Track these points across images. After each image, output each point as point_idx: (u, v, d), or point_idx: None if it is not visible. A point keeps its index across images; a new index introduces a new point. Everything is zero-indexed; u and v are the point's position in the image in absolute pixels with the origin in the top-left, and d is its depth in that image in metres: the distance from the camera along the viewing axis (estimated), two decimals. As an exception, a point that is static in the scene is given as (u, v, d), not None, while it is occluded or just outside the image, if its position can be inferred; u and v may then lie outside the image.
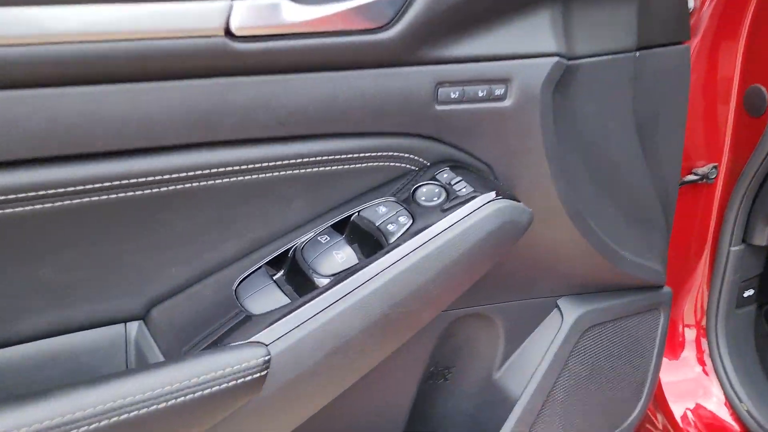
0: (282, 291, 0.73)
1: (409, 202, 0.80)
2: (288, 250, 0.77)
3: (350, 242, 0.77)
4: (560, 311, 1.03)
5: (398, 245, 0.74)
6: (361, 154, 0.79)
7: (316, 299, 0.70)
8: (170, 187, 0.69)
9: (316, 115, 0.73)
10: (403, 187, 0.82)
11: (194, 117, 0.67)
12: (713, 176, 1.30)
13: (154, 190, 0.68)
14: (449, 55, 0.78)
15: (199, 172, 0.70)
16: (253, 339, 0.66)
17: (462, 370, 1.03)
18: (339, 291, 0.71)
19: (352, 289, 0.71)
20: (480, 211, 0.78)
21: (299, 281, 0.75)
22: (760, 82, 1.21)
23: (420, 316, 0.79)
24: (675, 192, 1.13)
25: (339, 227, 0.80)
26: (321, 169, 0.77)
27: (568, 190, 0.91)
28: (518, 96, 0.82)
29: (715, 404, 1.36)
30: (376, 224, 0.77)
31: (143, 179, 0.67)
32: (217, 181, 0.71)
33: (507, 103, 0.83)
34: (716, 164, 1.30)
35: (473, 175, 0.83)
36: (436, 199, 0.79)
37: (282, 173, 0.75)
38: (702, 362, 1.38)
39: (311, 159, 0.76)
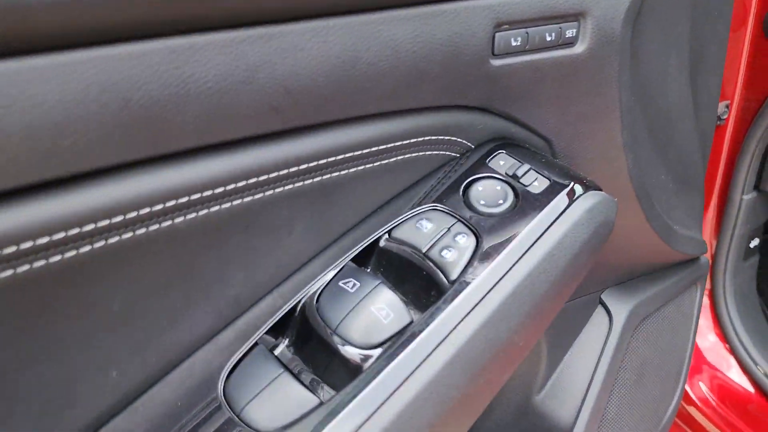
0: (302, 384, 0.45)
1: (461, 209, 0.53)
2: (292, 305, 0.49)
3: (390, 284, 0.49)
4: (606, 308, 0.81)
5: (467, 285, 0.48)
6: (386, 146, 0.51)
7: (366, 396, 0.43)
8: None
9: (327, 91, 0.44)
10: (445, 186, 0.55)
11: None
12: (725, 116, 1.12)
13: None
14: None
15: (168, 204, 0.39)
16: None
17: (496, 398, 0.80)
18: (396, 374, 0.44)
19: (414, 368, 0.44)
20: (570, 215, 0.53)
21: (322, 360, 0.47)
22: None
23: (506, 371, 0.54)
24: (710, 142, 0.93)
25: (361, 259, 0.52)
26: (330, 175, 0.48)
27: (635, 163, 0.68)
28: (593, 38, 0.57)
29: (729, 369, 1.23)
30: (423, 251, 0.50)
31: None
32: (190, 215, 0.41)
33: (579, 48, 0.57)
34: (728, 102, 1.11)
35: (538, 156, 0.57)
36: (501, 201, 0.53)
37: (276, 189, 0.45)
38: (711, 325, 1.25)
39: (318, 162, 0.46)
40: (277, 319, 0.47)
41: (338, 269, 0.50)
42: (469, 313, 0.47)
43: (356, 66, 0.44)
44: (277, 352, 0.48)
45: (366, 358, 0.45)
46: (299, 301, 0.48)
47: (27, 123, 0.33)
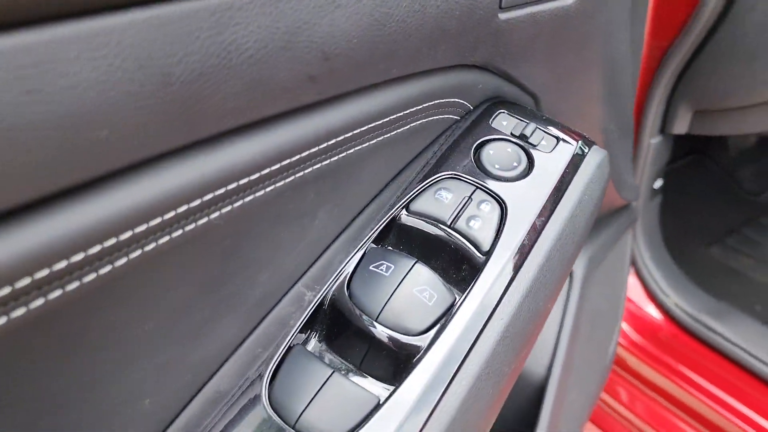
0: (355, 383, 0.40)
1: (478, 175, 0.50)
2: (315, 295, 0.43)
3: (419, 261, 0.45)
4: None
5: (503, 256, 0.45)
6: (403, 113, 0.46)
7: (427, 388, 0.39)
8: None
9: (359, 55, 0.38)
10: (455, 151, 0.51)
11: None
12: (634, 64, 1.17)
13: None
14: None
15: (206, 198, 0.32)
16: None
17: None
18: (452, 359, 0.41)
19: (468, 350, 0.41)
20: (584, 174, 0.52)
21: (366, 353, 0.42)
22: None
23: (536, 339, 0.52)
24: (636, 84, 0.97)
25: (380, 237, 0.47)
26: (353, 150, 0.43)
27: (605, 115, 0.68)
28: None
29: (642, 301, 1.32)
30: (448, 223, 0.46)
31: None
32: (225, 209, 0.34)
33: (570, 0, 0.55)
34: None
35: (536, 114, 0.55)
36: (516, 164, 0.51)
37: (306, 170, 0.39)
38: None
39: (345, 136, 0.41)
40: (308, 315, 0.42)
41: (362, 252, 0.45)
42: (510, 284, 0.45)
43: (387, 24, 0.39)
44: (311, 350, 0.43)
45: (416, 345, 0.41)
46: (327, 293, 0.43)
47: (59, 112, 0.25)
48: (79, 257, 0.27)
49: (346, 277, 0.44)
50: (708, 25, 1.07)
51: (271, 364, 0.40)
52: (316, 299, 0.43)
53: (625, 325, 1.29)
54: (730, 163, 1.90)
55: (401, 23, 0.40)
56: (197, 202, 0.32)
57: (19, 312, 0.26)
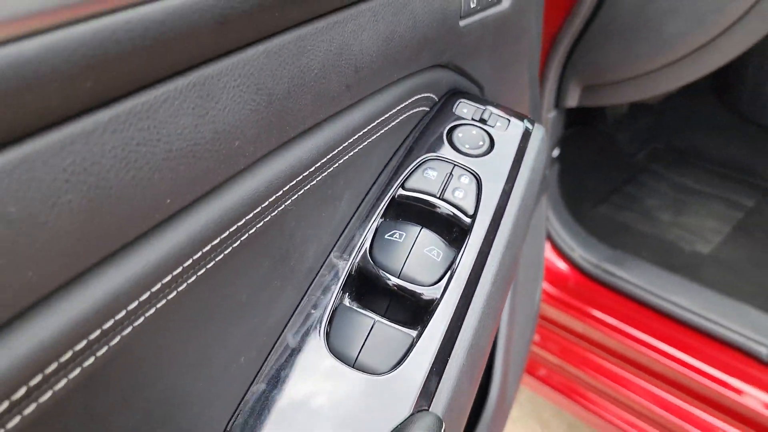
0: (394, 327, 0.50)
1: (453, 154, 0.60)
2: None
3: (423, 228, 0.56)
4: None
5: (486, 217, 0.57)
6: (397, 108, 0.56)
7: (451, 321, 0.50)
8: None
9: (376, 65, 0.48)
10: (425, 136, 0.62)
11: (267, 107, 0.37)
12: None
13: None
14: None
15: (287, 186, 0.41)
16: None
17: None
18: (464, 299, 0.52)
19: (473, 292, 0.53)
20: (533, 146, 0.64)
21: (392, 305, 0.52)
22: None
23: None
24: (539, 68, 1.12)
25: (386, 214, 0.57)
26: (365, 143, 0.52)
27: (530, 95, 0.81)
28: None
29: (551, 256, 1.50)
30: (438, 194, 0.57)
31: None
32: (302, 191, 0.43)
33: (506, 4, 0.67)
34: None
35: (486, 100, 0.67)
36: (481, 143, 0.62)
37: (340, 161, 0.48)
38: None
39: (362, 132, 0.50)
40: (344, 280, 0.51)
41: (375, 225, 0.55)
42: (495, 239, 0.56)
43: (393, 39, 0.49)
44: (348, 305, 0.52)
45: (433, 292, 0.52)
46: (354, 261, 0.53)
47: (215, 129, 0.33)
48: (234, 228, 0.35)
49: (367, 247, 0.54)
50: (589, 11, 1.24)
51: (324, 321, 0.49)
52: (347, 267, 0.52)
53: (540, 279, 1.47)
54: (609, 129, 2.15)
55: (401, 37, 0.50)
56: (281, 192, 0.41)
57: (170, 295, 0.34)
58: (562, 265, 1.49)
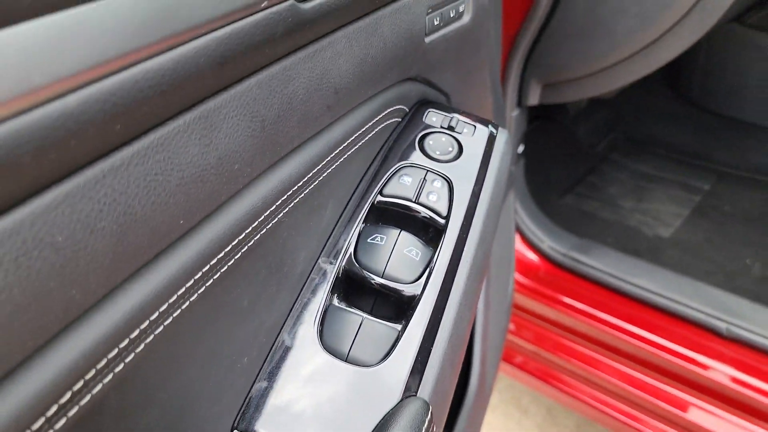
0: (380, 323, 0.55)
1: (425, 161, 0.66)
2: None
3: (403, 230, 0.61)
4: None
5: (458, 217, 0.62)
6: (372, 121, 0.61)
7: (432, 313, 0.55)
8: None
9: (353, 85, 0.52)
10: (398, 145, 0.67)
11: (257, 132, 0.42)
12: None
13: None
14: None
15: (284, 197, 0.46)
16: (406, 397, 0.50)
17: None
18: (443, 292, 0.57)
19: (450, 285, 0.58)
20: (498, 149, 0.70)
21: (378, 302, 0.57)
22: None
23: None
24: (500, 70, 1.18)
25: (367, 220, 0.62)
26: (345, 156, 0.57)
27: (493, 99, 0.87)
28: (474, 10, 0.73)
29: (521, 248, 1.56)
30: (413, 199, 0.62)
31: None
32: (295, 201, 0.48)
33: (466, 19, 0.72)
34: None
35: (453, 108, 0.72)
36: (451, 149, 0.67)
37: (324, 174, 0.53)
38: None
39: (343, 146, 0.55)
40: (332, 282, 0.56)
41: (358, 230, 0.60)
42: (467, 237, 0.61)
43: (367, 61, 0.54)
44: (338, 305, 0.57)
45: (414, 289, 0.57)
46: (341, 264, 0.57)
47: (217, 155, 0.37)
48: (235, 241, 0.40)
49: (352, 250, 0.58)
50: (544, 14, 1.31)
51: (317, 321, 0.53)
52: (334, 270, 0.57)
53: (511, 270, 1.53)
54: (570, 123, 2.23)
55: (374, 58, 0.55)
56: (274, 206, 0.45)
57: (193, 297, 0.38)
58: (532, 256, 1.56)
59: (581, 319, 1.42)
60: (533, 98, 1.45)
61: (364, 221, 0.61)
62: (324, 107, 0.49)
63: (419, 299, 0.56)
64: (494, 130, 0.71)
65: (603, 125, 2.27)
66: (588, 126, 2.23)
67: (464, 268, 0.60)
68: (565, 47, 1.35)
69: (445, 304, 0.57)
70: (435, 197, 0.62)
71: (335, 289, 0.57)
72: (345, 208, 0.61)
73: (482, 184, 0.66)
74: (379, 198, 0.62)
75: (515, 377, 1.63)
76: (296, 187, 0.49)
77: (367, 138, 0.61)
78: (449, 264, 0.59)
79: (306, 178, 0.49)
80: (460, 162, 0.66)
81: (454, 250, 0.60)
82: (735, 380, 1.24)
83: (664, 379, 1.33)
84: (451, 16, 0.69)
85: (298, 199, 0.50)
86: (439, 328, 0.55)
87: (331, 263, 0.57)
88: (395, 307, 0.57)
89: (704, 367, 1.27)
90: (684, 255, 1.76)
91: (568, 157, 2.15)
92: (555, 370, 1.50)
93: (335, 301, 0.56)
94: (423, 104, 0.71)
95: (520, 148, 1.56)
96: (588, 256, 1.49)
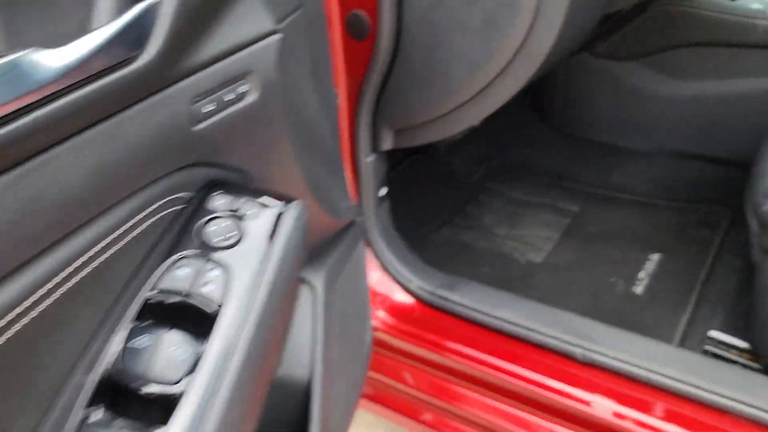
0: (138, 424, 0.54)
1: (204, 249, 0.66)
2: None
3: (172, 326, 0.60)
4: (307, 282, 1.02)
5: (232, 307, 0.62)
6: (135, 220, 0.60)
7: (194, 412, 0.55)
8: None
9: (88, 192, 0.52)
10: (176, 235, 0.66)
11: None
12: (337, 101, 1.41)
13: None
14: (197, 62, 0.64)
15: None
16: None
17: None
18: (209, 386, 0.57)
19: (217, 378, 0.58)
20: (285, 228, 0.70)
21: (145, 407, 0.56)
22: (358, 7, 1.33)
23: (274, 359, 0.70)
24: (337, 126, 1.20)
25: (140, 317, 0.61)
26: (100, 260, 0.56)
27: (304, 168, 0.88)
28: (260, 87, 0.74)
29: (392, 292, 1.59)
30: (187, 292, 0.62)
31: None
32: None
33: (252, 98, 0.73)
34: (335, 91, 1.41)
35: (245, 187, 0.73)
36: (231, 234, 0.67)
37: (64, 289, 0.52)
38: (373, 264, 1.58)
39: (92, 253, 0.54)
40: (93, 394, 0.55)
41: (125, 333, 0.59)
42: (243, 326, 0.61)
43: (106, 166, 0.54)
44: (94, 420, 0.55)
45: (177, 389, 0.56)
46: (104, 370, 0.56)
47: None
48: None
49: (117, 357, 0.57)
50: (384, 65, 1.35)
51: None
52: (95, 378, 0.55)
53: (382, 313, 1.55)
54: (445, 155, 2.29)
55: (117, 161, 0.55)
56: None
57: None
58: (402, 297, 1.58)
59: (448, 356, 1.45)
60: (386, 143, 1.49)
61: (137, 319, 0.60)
62: (44, 227, 0.48)
63: (181, 398, 0.56)
64: (283, 205, 0.72)
65: (477, 155, 2.34)
66: (463, 156, 2.31)
67: (238, 356, 0.60)
68: (408, 95, 1.39)
69: (216, 398, 0.57)
70: (212, 287, 0.62)
71: (97, 400, 0.56)
72: (114, 308, 0.60)
73: (266, 266, 0.66)
74: (151, 294, 0.62)
75: (384, 416, 1.64)
76: (38, 297, 0.47)
77: (135, 233, 0.60)
78: (219, 355, 0.59)
79: (49, 288, 0.49)
80: (240, 247, 0.66)
81: (226, 340, 0.60)
82: (587, 403, 1.30)
83: (526, 407, 1.37)
84: (230, 98, 0.70)
85: (44, 306, 0.48)
86: (206, 421, 0.55)
87: (94, 372, 0.56)
88: (163, 410, 0.56)
89: (560, 393, 1.33)
90: (554, 278, 1.84)
91: (445, 189, 2.21)
92: (423, 406, 1.52)
93: (99, 414, 0.55)
94: (212, 186, 0.71)
95: (383, 191, 1.59)
96: (454, 293, 1.53)
